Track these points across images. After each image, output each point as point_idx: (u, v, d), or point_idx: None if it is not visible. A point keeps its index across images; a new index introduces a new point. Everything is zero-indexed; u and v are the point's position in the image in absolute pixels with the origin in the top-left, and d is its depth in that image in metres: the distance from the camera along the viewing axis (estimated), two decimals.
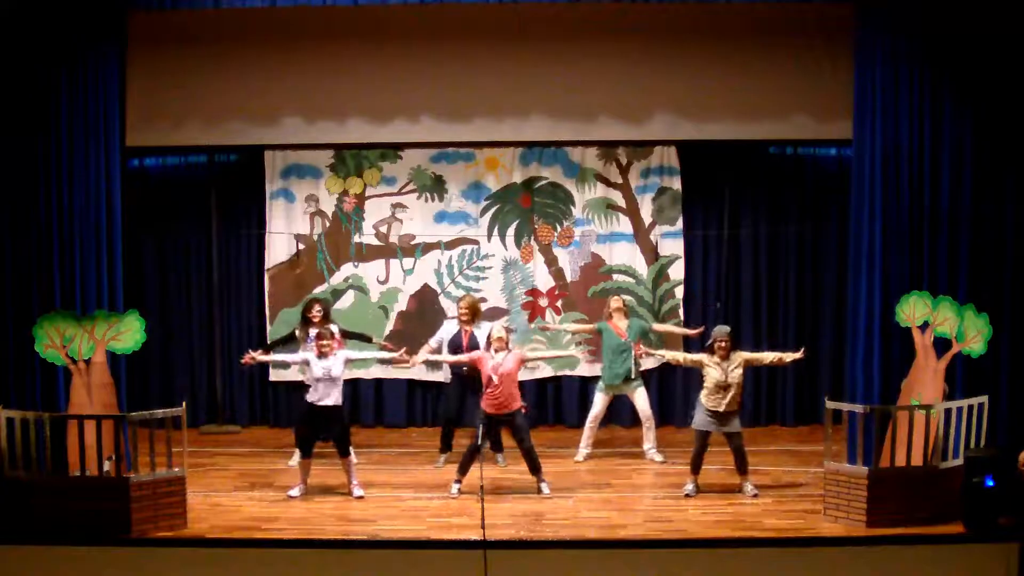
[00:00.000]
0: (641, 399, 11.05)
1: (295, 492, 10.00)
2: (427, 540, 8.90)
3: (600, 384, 11.17)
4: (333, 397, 9.95)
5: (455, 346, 10.94)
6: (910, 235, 10.31)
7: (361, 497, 9.94)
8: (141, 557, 8.82)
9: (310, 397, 9.98)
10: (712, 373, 9.87)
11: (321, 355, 9.97)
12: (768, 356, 10.14)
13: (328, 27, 11.19)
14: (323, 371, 9.92)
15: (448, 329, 11.22)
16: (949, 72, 10.28)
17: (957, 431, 9.34)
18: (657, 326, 11.63)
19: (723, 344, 9.88)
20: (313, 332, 10.38)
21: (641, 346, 10.85)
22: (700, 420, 9.92)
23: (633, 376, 11.01)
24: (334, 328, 10.68)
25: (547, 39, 11.30)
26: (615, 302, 11.19)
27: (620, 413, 12.17)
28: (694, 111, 11.54)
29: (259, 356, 10.44)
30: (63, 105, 10.26)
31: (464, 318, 11.01)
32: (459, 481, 10.04)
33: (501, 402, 9.96)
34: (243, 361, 10.52)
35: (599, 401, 11.13)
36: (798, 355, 10.08)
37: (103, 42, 10.32)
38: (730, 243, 12.50)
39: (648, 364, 11.87)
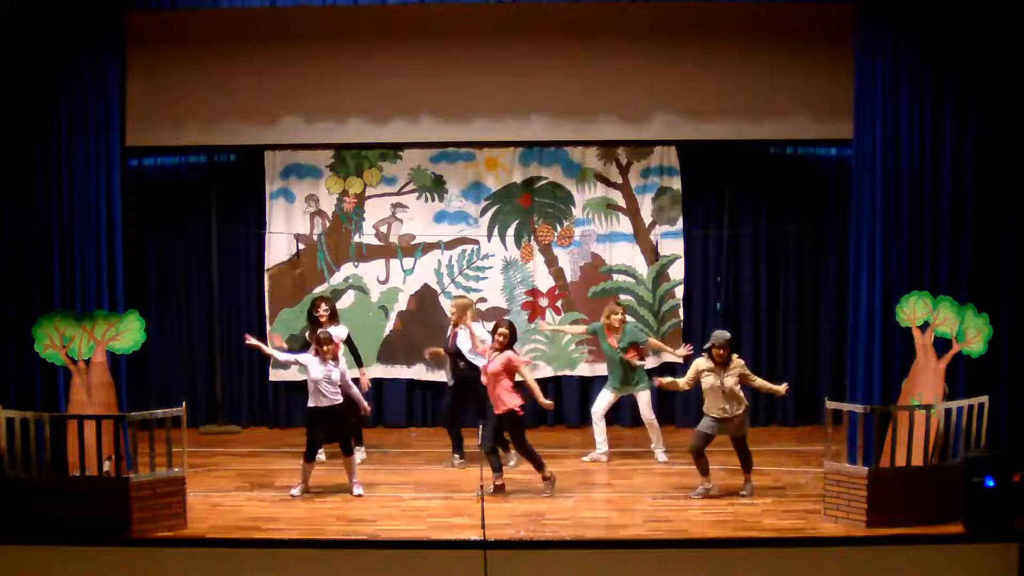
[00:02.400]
0: (642, 403, 11.01)
1: (296, 491, 10.00)
2: (427, 540, 8.88)
3: (608, 382, 11.16)
4: (334, 397, 9.94)
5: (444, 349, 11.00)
6: (910, 235, 10.31)
7: (360, 495, 9.94)
8: (141, 557, 8.81)
9: (312, 402, 9.96)
10: (707, 379, 9.84)
11: (321, 360, 9.95)
12: (760, 383, 9.99)
13: (328, 27, 11.17)
14: (323, 374, 9.92)
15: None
16: (949, 72, 10.27)
17: (957, 431, 9.33)
18: (653, 342, 11.42)
19: (721, 351, 9.85)
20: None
21: (632, 353, 10.86)
22: (704, 424, 9.88)
23: (636, 380, 11.00)
24: (333, 333, 10.54)
25: (547, 39, 11.29)
26: (615, 320, 10.98)
27: (621, 413, 12.16)
28: (694, 111, 11.53)
29: (265, 348, 10.40)
30: (63, 105, 10.26)
31: (453, 319, 10.97)
32: (498, 477, 9.98)
33: (492, 401, 9.98)
34: (247, 342, 10.34)
35: (603, 396, 11.11)
36: (781, 391, 9.95)
37: (103, 42, 10.32)
38: (730, 243, 12.51)
39: (648, 364, 11.87)
